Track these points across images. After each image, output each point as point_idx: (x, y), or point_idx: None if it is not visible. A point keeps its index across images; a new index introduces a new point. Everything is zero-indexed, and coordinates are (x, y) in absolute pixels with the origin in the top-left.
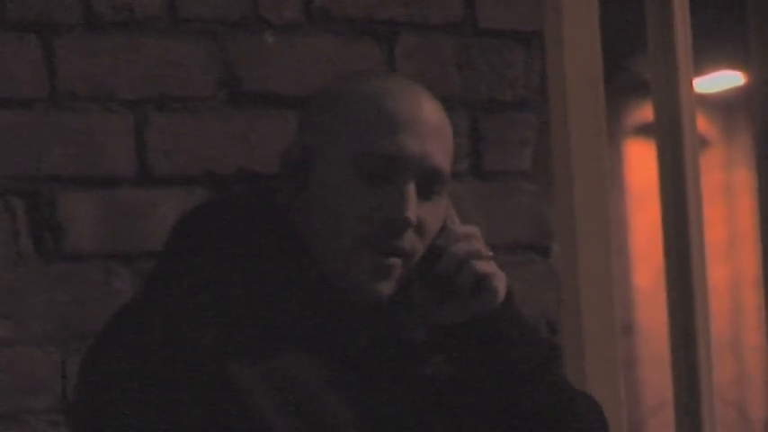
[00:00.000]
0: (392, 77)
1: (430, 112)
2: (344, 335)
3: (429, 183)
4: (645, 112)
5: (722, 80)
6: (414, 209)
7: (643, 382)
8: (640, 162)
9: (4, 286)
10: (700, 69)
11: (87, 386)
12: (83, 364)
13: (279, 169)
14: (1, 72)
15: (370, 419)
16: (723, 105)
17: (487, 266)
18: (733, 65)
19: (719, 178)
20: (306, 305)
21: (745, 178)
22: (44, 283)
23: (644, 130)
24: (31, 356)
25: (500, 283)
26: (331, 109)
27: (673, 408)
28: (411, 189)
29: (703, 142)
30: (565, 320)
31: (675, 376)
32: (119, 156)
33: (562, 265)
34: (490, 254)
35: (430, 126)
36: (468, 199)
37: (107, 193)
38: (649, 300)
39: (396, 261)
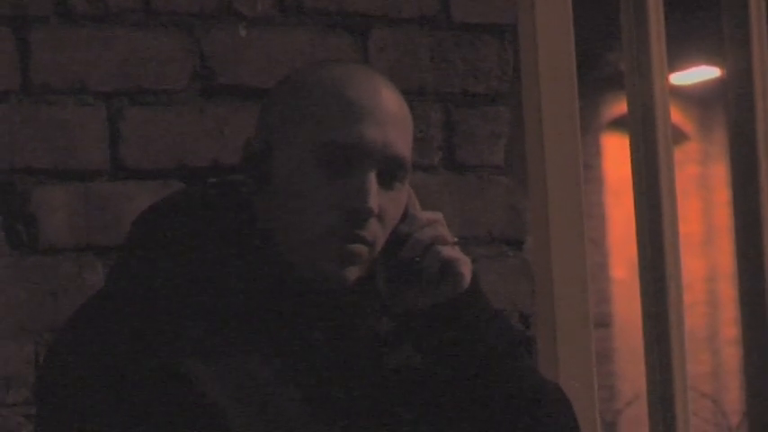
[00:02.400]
0: (351, 65)
1: (390, 100)
2: (308, 327)
3: (391, 171)
4: (622, 106)
5: (700, 74)
6: (375, 198)
7: (619, 375)
8: (617, 155)
9: None
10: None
11: (47, 379)
12: (45, 356)
13: (240, 161)
14: None
15: (335, 412)
16: (701, 100)
17: (452, 252)
18: (711, 59)
19: (696, 172)
20: (268, 297)
21: (721, 172)
22: (18, 275)
23: (620, 123)
24: (5, 349)
25: (465, 268)
26: (290, 99)
27: (646, 400)
28: (372, 178)
29: (681, 136)
30: (539, 313)
31: (649, 368)
32: (92, 148)
33: (536, 258)
34: (454, 240)
35: (390, 114)
36: (442, 192)
37: (81, 186)
38: (626, 292)
39: (361, 247)
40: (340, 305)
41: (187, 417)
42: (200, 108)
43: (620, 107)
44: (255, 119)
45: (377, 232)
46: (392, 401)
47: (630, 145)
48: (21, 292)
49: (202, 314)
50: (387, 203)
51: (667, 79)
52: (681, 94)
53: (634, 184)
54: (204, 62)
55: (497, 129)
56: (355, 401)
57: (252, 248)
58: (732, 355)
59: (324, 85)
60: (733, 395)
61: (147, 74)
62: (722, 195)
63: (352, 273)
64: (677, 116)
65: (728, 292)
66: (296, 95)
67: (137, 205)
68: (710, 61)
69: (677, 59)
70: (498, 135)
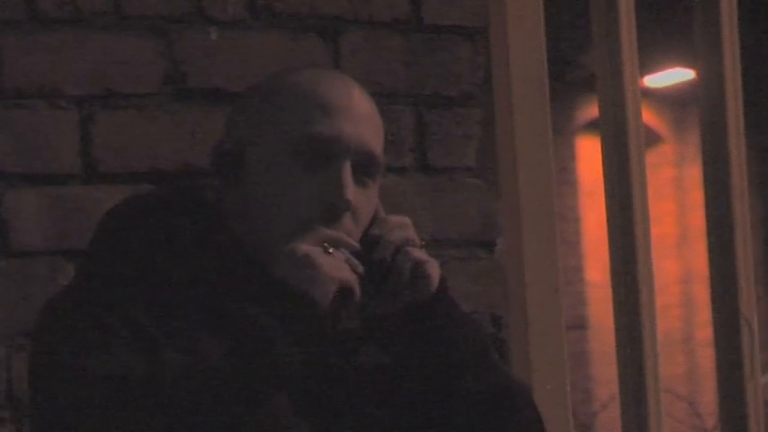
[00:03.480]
0: (322, 69)
1: (361, 99)
2: (274, 325)
3: (364, 167)
4: (597, 108)
5: (674, 76)
6: (352, 190)
7: (594, 377)
8: (592, 158)
9: None
10: (653, 66)
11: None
12: (31, 363)
13: (210, 165)
14: None
15: (312, 408)
16: (675, 102)
17: (422, 254)
18: (685, 62)
19: (671, 174)
20: (236, 298)
21: (696, 174)
22: None
23: (595, 126)
24: None
25: (434, 270)
26: (264, 100)
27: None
28: (348, 171)
29: (655, 138)
30: (511, 316)
31: (621, 371)
32: (64, 152)
33: (508, 260)
34: (422, 243)
35: (363, 112)
36: (414, 194)
37: (53, 190)
38: (602, 295)
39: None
40: (309, 307)
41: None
42: (172, 112)
43: (595, 110)
44: (224, 122)
45: (351, 229)
46: (362, 399)
47: (602, 148)
48: None
49: (174, 312)
50: (360, 200)
51: (639, 81)
52: (655, 96)
53: (606, 186)
54: (176, 65)
55: (469, 131)
56: (325, 399)
57: (219, 247)
58: (707, 357)
59: (298, 86)
60: (708, 397)
61: (118, 77)
62: (697, 197)
63: None
64: (652, 118)
65: (703, 293)
66: (270, 96)
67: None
68: (685, 63)
69: (651, 62)
70: (470, 137)
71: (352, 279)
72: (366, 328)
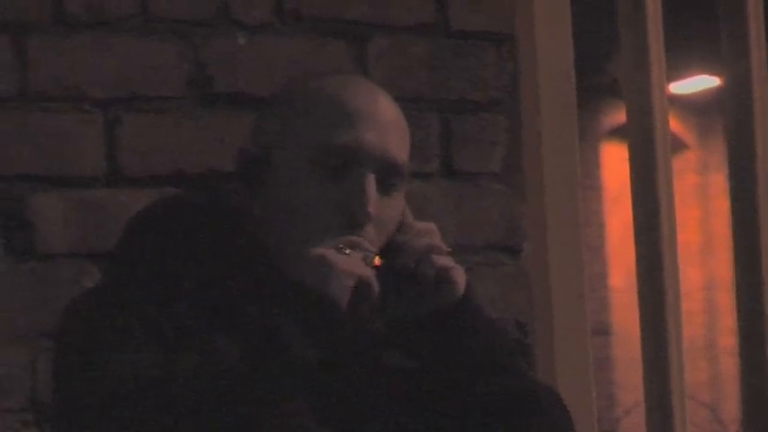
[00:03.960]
0: (347, 75)
1: (388, 107)
2: (302, 328)
3: (388, 176)
4: (621, 115)
5: (700, 83)
6: (374, 202)
7: (618, 383)
8: (616, 163)
9: None
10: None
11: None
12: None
13: (234, 169)
14: None
15: (333, 411)
16: (700, 109)
17: (447, 260)
18: (711, 69)
19: (695, 181)
20: (261, 301)
21: (720, 181)
22: (15, 281)
23: (620, 132)
24: (2, 355)
25: (460, 276)
26: (289, 106)
27: (644, 408)
28: (371, 182)
29: (680, 145)
30: (536, 321)
31: (647, 377)
32: (90, 155)
33: (533, 265)
34: (449, 249)
35: (388, 120)
36: (439, 200)
37: (78, 193)
38: (625, 300)
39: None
40: (333, 311)
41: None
42: (197, 116)
43: (619, 116)
44: (251, 127)
45: (373, 238)
46: (384, 402)
47: (629, 154)
48: (17, 298)
49: (187, 311)
50: (383, 209)
51: (666, 88)
52: (680, 103)
53: (632, 192)
54: (201, 70)
55: (495, 137)
56: (347, 401)
57: (240, 253)
58: (730, 365)
59: (323, 92)
60: (731, 404)
61: (144, 81)
62: (721, 204)
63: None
64: (677, 125)
65: (726, 301)
66: (294, 102)
67: (133, 212)
68: (710, 70)
69: (677, 68)
70: (495, 143)
71: (368, 274)
72: (390, 332)
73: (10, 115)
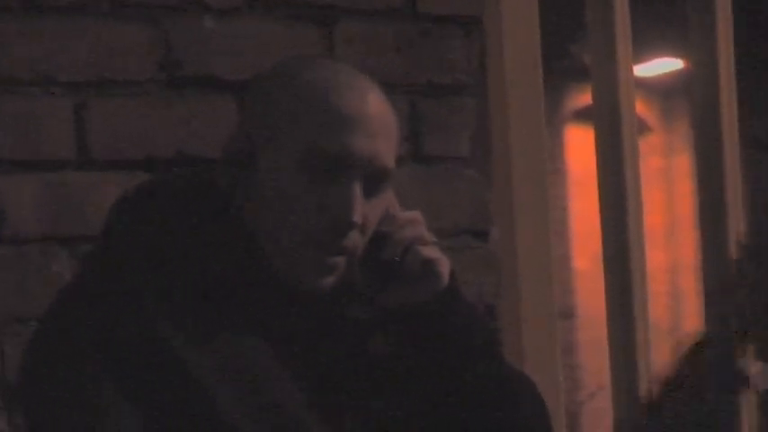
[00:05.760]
0: (338, 66)
1: (377, 107)
2: (289, 317)
3: (375, 180)
4: (586, 97)
5: (663, 66)
6: (360, 210)
7: (582, 366)
8: (581, 147)
9: None
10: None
11: (30, 372)
12: (27, 350)
13: (222, 157)
14: None
15: (319, 399)
16: (664, 92)
17: (432, 251)
18: (674, 51)
19: (659, 163)
20: (248, 288)
21: (684, 163)
22: None
23: (585, 115)
24: None
25: (444, 267)
26: (276, 99)
27: (610, 391)
28: (357, 190)
29: (643, 128)
30: (504, 304)
31: (613, 360)
32: (59, 139)
33: (501, 249)
34: (433, 239)
35: (377, 123)
36: (408, 183)
37: (47, 177)
38: (589, 284)
39: (340, 259)
40: (318, 300)
41: (181, 402)
42: (166, 99)
43: (582, 99)
44: (222, 110)
45: (357, 241)
46: (370, 389)
47: (596, 137)
48: None
49: (188, 302)
50: (369, 212)
51: (632, 71)
52: (644, 85)
53: (599, 176)
54: (170, 53)
55: (463, 120)
56: (333, 388)
57: (232, 238)
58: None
59: (311, 89)
60: None
61: (113, 65)
62: (685, 187)
63: (328, 282)
64: (640, 108)
65: (690, 283)
66: (282, 96)
67: (103, 196)
68: (674, 53)
69: (640, 51)
70: (464, 126)
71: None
72: (376, 321)
73: None
